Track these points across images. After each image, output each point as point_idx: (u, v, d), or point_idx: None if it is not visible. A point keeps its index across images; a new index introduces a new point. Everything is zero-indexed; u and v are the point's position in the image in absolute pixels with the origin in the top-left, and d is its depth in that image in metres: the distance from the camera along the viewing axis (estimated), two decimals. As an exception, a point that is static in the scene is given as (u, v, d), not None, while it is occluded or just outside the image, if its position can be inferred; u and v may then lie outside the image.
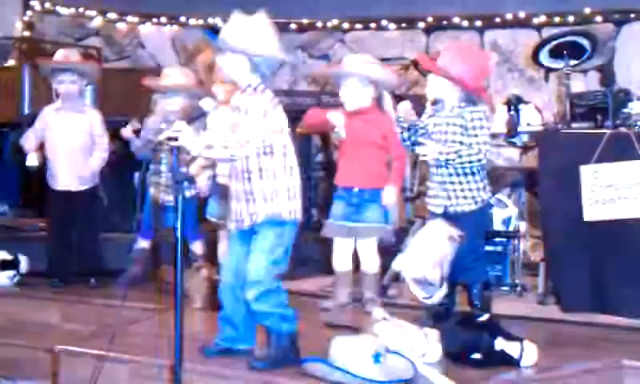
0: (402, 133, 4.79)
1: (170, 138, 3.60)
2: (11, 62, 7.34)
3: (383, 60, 5.57)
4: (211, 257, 5.42)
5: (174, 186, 3.45)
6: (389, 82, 5.10)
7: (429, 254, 4.28)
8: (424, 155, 4.63)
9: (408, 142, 4.81)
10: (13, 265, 5.70)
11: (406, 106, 4.87)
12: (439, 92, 4.62)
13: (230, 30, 3.75)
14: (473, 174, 4.56)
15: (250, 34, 3.73)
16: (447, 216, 4.55)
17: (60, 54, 5.84)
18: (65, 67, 5.67)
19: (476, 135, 4.53)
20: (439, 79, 4.60)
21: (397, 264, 4.46)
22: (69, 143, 5.65)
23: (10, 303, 5.49)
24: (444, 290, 4.43)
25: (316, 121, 5.18)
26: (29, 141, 5.69)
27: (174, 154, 3.55)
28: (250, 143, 3.67)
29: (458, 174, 4.56)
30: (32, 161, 5.65)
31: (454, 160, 4.51)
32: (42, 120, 5.72)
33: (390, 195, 4.96)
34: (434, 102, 4.74)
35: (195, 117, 3.74)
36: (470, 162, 4.51)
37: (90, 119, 5.71)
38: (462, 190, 4.56)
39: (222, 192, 5.22)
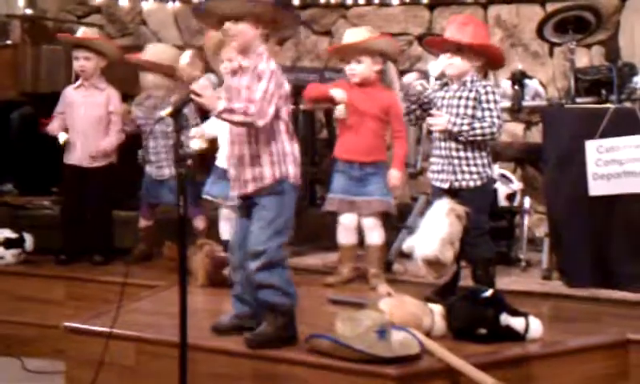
0: (408, 106, 4.75)
1: (186, 99, 3.58)
2: (13, 41, 7.31)
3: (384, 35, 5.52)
4: (214, 235, 5.41)
5: (176, 162, 3.44)
6: (393, 52, 5.09)
7: (440, 234, 4.26)
8: (436, 126, 4.58)
9: (412, 116, 4.77)
10: (18, 243, 5.71)
11: (412, 77, 4.82)
12: (456, 66, 4.56)
13: None
14: (480, 149, 4.54)
15: None
16: (452, 191, 4.54)
17: (79, 32, 5.87)
18: (81, 43, 5.68)
19: (490, 108, 4.50)
20: (450, 56, 4.55)
21: (407, 246, 4.44)
22: (85, 119, 5.67)
23: (15, 281, 5.51)
24: (454, 268, 4.44)
25: (317, 94, 5.15)
26: (54, 126, 5.71)
27: (176, 129, 3.52)
28: (269, 110, 3.63)
29: (465, 149, 4.53)
30: (62, 137, 5.66)
31: (467, 132, 4.49)
32: (62, 100, 5.75)
33: (395, 178, 4.97)
34: (439, 77, 4.73)
35: (186, 99, 3.65)
36: (483, 135, 4.48)
37: (108, 97, 5.72)
38: (468, 165, 4.54)
39: (221, 173, 5.23)
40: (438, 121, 4.56)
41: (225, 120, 3.70)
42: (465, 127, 4.49)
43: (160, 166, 5.59)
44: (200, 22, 4.09)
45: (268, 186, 3.73)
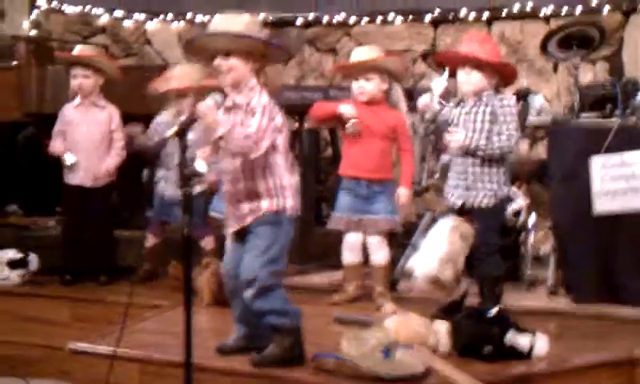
0: (427, 127, 4.71)
1: (193, 119, 3.58)
2: (18, 61, 7.33)
3: (390, 53, 5.53)
4: (220, 253, 5.40)
5: (182, 181, 3.44)
6: (400, 72, 5.10)
7: (439, 253, 4.25)
8: (453, 143, 4.55)
9: (433, 136, 4.74)
10: (23, 263, 5.71)
11: (427, 98, 4.77)
12: (473, 82, 4.54)
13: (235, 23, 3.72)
14: (497, 166, 4.52)
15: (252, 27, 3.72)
16: (466, 208, 4.52)
17: (76, 50, 5.87)
18: (78, 61, 5.68)
19: (506, 122, 4.49)
20: (469, 71, 4.55)
21: (409, 264, 4.42)
22: (87, 138, 5.66)
23: (20, 302, 5.51)
24: (462, 285, 4.41)
25: (324, 113, 5.15)
26: (56, 146, 5.70)
27: (182, 148, 3.52)
28: (262, 143, 3.63)
29: (482, 165, 4.51)
30: (70, 159, 5.65)
31: (485, 146, 4.47)
32: (61, 119, 5.74)
33: (404, 196, 4.96)
34: (443, 95, 4.72)
35: (191, 119, 3.65)
36: (501, 150, 4.46)
37: (109, 116, 5.71)
38: (483, 182, 4.52)
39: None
40: (456, 137, 4.54)
41: (223, 145, 3.69)
42: (482, 141, 4.48)
43: (173, 186, 5.54)
44: (192, 57, 4.08)
45: (264, 216, 3.73)
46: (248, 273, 3.71)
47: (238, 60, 3.71)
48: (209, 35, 3.80)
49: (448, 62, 4.80)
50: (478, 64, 4.52)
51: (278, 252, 3.74)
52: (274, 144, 3.72)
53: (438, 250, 4.24)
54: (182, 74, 5.52)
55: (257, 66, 3.77)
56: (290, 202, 3.77)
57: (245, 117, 3.70)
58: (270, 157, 3.73)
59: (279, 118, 3.76)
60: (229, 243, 3.98)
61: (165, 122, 5.50)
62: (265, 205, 3.73)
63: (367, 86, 5.01)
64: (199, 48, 3.84)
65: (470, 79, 4.56)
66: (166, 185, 5.57)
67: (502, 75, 4.63)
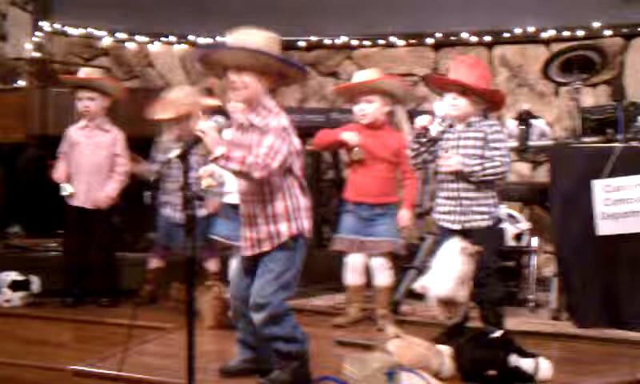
0: (417, 149, 4.70)
1: (196, 140, 3.57)
2: (21, 83, 7.36)
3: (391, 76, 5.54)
4: (223, 275, 5.40)
5: (184, 203, 3.43)
6: (402, 94, 5.11)
7: (454, 274, 4.24)
8: (447, 167, 4.56)
9: (420, 159, 4.72)
10: (25, 285, 5.71)
11: (425, 119, 4.77)
12: (460, 108, 4.55)
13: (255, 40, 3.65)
14: (488, 189, 4.54)
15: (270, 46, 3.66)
16: (462, 232, 4.53)
17: (82, 72, 5.88)
18: (83, 84, 5.69)
19: (498, 148, 4.50)
20: (456, 96, 4.55)
21: (421, 285, 4.41)
22: (90, 162, 5.67)
23: (22, 323, 5.48)
24: (465, 307, 4.41)
25: (327, 141, 5.18)
26: (59, 173, 5.70)
27: (184, 171, 3.52)
28: (272, 165, 3.58)
29: (474, 190, 4.52)
30: (65, 190, 5.66)
31: (478, 172, 4.48)
32: (65, 141, 5.74)
33: (405, 219, 4.98)
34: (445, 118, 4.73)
35: (193, 141, 3.62)
36: (494, 175, 4.47)
37: (113, 139, 5.71)
38: (479, 205, 4.53)
39: (229, 212, 5.23)
40: (450, 162, 4.55)
41: (222, 167, 3.66)
42: (476, 167, 4.48)
43: (178, 210, 5.54)
44: (205, 70, 3.96)
45: (284, 242, 3.71)
46: (260, 297, 3.68)
47: (252, 77, 3.64)
48: (226, 48, 3.71)
49: (438, 87, 4.82)
50: (464, 90, 4.53)
51: (291, 278, 3.72)
52: (290, 167, 3.70)
53: (452, 271, 4.23)
54: (178, 99, 5.50)
55: (272, 86, 3.71)
56: (306, 223, 3.75)
57: (260, 136, 3.65)
58: (288, 179, 3.71)
59: (296, 141, 3.72)
60: (238, 264, 3.96)
61: (164, 148, 5.52)
62: (284, 229, 3.69)
63: (368, 109, 5.03)
64: (215, 61, 3.74)
65: (456, 104, 4.56)
66: (170, 208, 5.57)
67: (490, 101, 4.63)
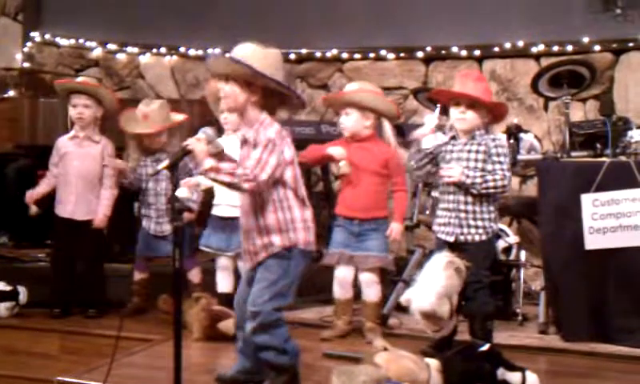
0: (421, 161, 4.71)
1: (185, 151, 3.60)
2: (11, 93, 7.35)
3: (382, 90, 5.54)
4: (209, 287, 5.38)
5: (171, 215, 3.43)
6: (389, 112, 5.10)
7: (436, 288, 4.23)
8: (450, 178, 4.58)
9: (424, 171, 4.74)
10: (12, 296, 5.67)
11: (432, 121, 4.77)
12: (468, 120, 4.57)
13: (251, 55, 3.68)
14: (488, 203, 4.56)
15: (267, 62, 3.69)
16: (456, 245, 4.53)
17: (77, 79, 5.85)
18: (79, 89, 5.65)
19: (500, 162, 4.53)
20: (464, 110, 4.57)
21: (405, 298, 4.40)
22: (79, 173, 5.62)
23: (8, 334, 5.46)
24: (454, 321, 4.40)
25: (315, 156, 5.17)
26: (42, 185, 5.67)
27: (173, 181, 3.52)
28: (260, 177, 3.59)
29: (473, 203, 4.54)
30: (32, 210, 5.64)
31: (479, 184, 4.49)
32: (56, 151, 5.69)
33: (397, 232, 4.98)
34: (436, 131, 4.74)
35: (182, 153, 3.66)
36: (495, 188, 4.50)
37: (102, 149, 5.68)
38: (475, 219, 4.55)
39: (218, 224, 5.23)
40: (452, 173, 4.57)
41: (211, 179, 3.70)
42: (478, 180, 4.50)
43: (160, 222, 5.54)
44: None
45: (277, 252, 3.72)
46: (252, 305, 3.69)
47: (236, 86, 3.67)
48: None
49: (443, 100, 4.84)
50: (472, 103, 4.55)
51: (284, 287, 3.72)
52: (282, 178, 3.70)
53: (435, 285, 4.22)
54: (152, 112, 5.52)
55: (260, 100, 3.70)
56: (301, 235, 3.74)
57: (249, 151, 3.69)
58: (279, 191, 3.71)
59: (288, 152, 3.73)
60: (243, 275, 3.98)
61: (145, 162, 5.55)
62: (276, 241, 3.70)
63: (346, 121, 5.04)
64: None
65: (465, 117, 4.59)
66: (149, 220, 5.57)
67: (493, 114, 4.67)
